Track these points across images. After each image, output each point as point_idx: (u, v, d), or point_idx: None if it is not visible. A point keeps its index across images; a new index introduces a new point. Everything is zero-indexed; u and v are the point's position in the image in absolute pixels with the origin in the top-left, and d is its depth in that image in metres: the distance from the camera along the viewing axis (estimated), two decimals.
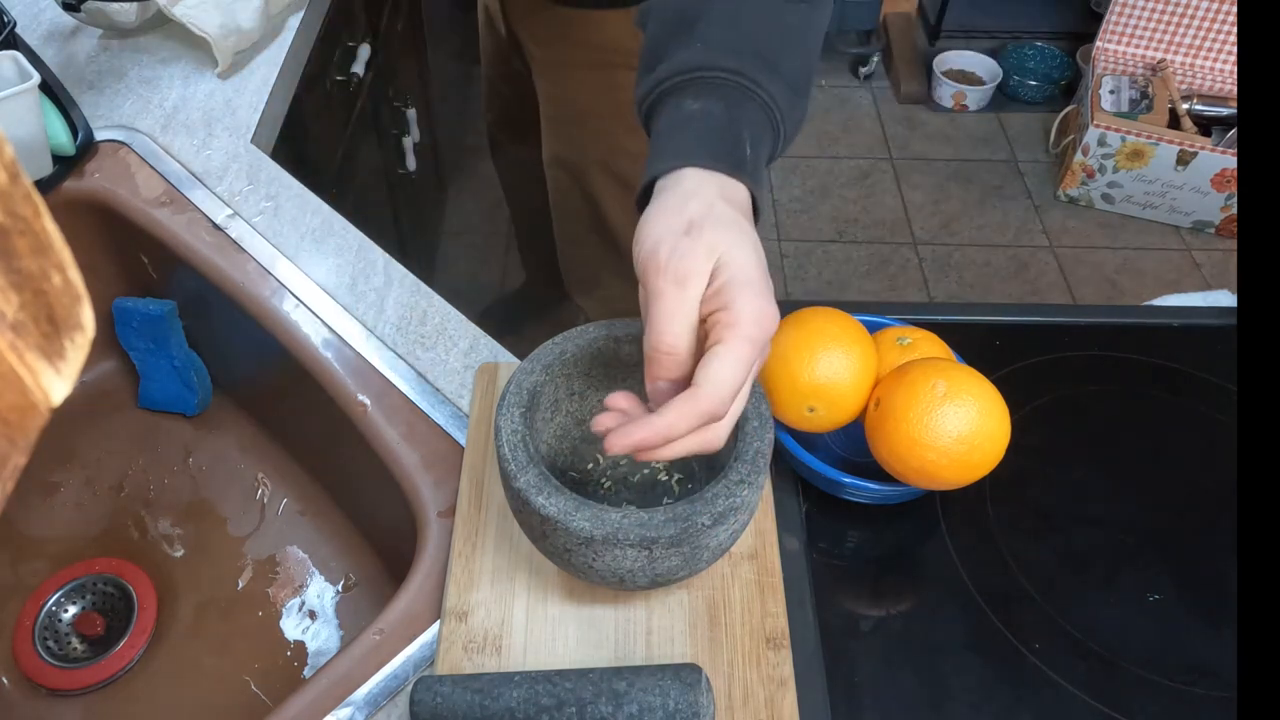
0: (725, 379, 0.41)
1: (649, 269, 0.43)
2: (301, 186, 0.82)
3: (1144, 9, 2.10)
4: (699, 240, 0.42)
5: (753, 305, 0.41)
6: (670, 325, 0.42)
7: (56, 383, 0.20)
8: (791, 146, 0.53)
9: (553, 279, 1.35)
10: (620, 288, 1.19)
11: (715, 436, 0.43)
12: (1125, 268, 2.05)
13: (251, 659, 0.75)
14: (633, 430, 0.42)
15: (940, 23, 2.54)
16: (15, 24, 0.79)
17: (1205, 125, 2.01)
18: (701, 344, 0.43)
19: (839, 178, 2.25)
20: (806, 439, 0.64)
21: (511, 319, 1.84)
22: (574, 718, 0.48)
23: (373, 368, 0.70)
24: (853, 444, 0.66)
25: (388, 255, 0.77)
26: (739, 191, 0.46)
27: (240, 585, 0.79)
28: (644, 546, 0.47)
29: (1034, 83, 2.41)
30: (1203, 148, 1.95)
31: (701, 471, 0.59)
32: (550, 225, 1.23)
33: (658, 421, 0.41)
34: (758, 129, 0.48)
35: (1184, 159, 1.98)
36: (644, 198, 0.47)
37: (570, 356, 0.55)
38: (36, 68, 0.74)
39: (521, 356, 0.60)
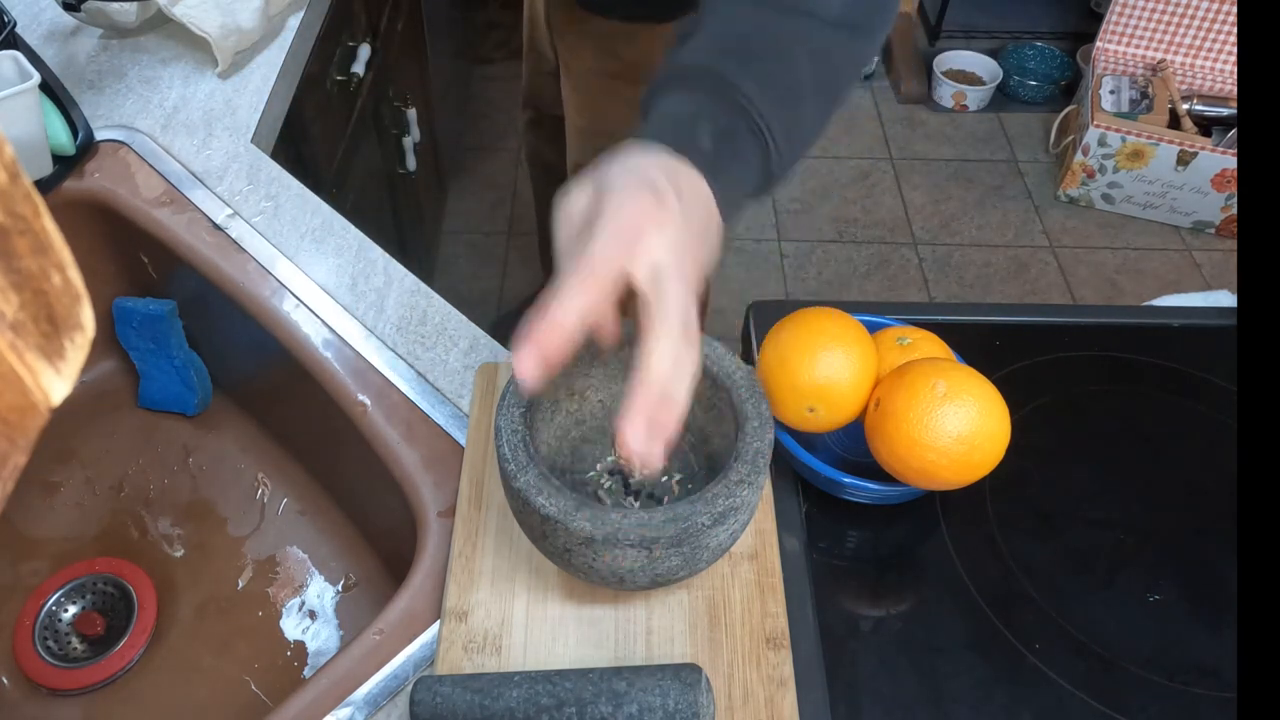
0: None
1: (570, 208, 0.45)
2: (301, 186, 0.82)
3: (1144, 9, 2.10)
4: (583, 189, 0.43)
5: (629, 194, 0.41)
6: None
7: (56, 382, 0.20)
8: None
9: None
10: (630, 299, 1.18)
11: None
12: (1125, 268, 2.05)
13: (251, 659, 0.75)
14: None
15: (940, 23, 2.54)
16: (15, 24, 0.79)
17: (1205, 125, 2.01)
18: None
19: (839, 178, 2.25)
20: (806, 439, 0.64)
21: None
22: (574, 718, 0.48)
23: (373, 368, 0.70)
24: (853, 444, 0.66)
25: (388, 255, 0.77)
26: (667, 162, 0.44)
27: (240, 585, 0.79)
28: (644, 546, 0.47)
29: (1034, 83, 2.41)
30: (1203, 148, 1.95)
31: (701, 471, 0.59)
32: None
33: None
34: (727, 125, 0.46)
35: (1184, 159, 1.98)
36: None
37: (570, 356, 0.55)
38: (36, 67, 0.74)
39: None
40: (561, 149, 1.19)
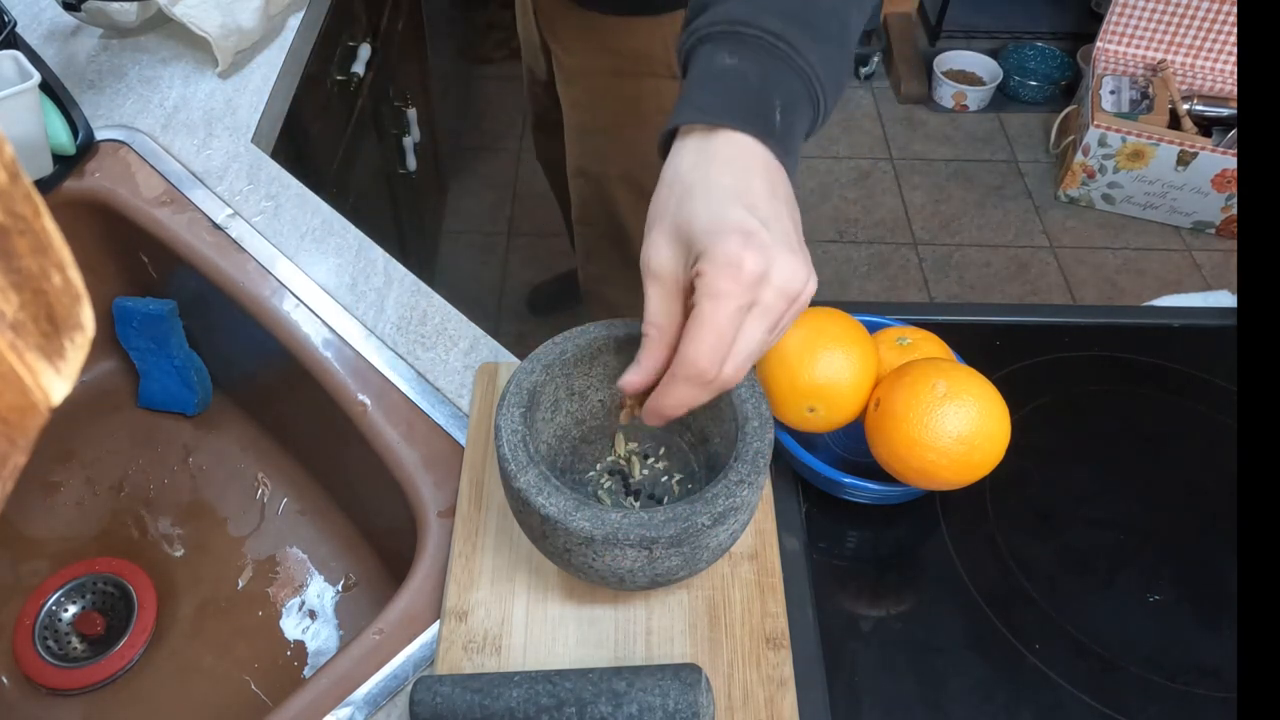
0: (692, 352, 0.42)
1: (640, 258, 0.45)
2: (301, 186, 0.82)
3: (1144, 9, 2.10)
4: (674, 234, 0.43)
5: (719, 258, 0.41)
6: (648, 313, 0.45)
7: (56, 382, 0.20)
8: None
9: None
10: (635, 303, 1.17)
11: (710, 394, 0.44)
12: (1125, 268, 2.05)
13: (251, 659, 0.75)
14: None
15: (940, 23, 2.54)
16: (16, 23, 0.79)
17: (1205, 126, 2.02)
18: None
19: (839, 178, 2.25)
20: (806, 439, 0.64)
21: (564, 300, 1.89)
22: (574, 718, 0.48)
23: (373, 368, 0.70)
24: (853, 444, 0.66)
25: (388, 255, 0.77)
26: (763, 156, 0.45)
27: (240, 585, 0.79)
28: (644, 546, 0.47)
29: (1034, 83, 2.41)
30: (1203, 148, 1.95)
31: (701, 471, 0.59)
32: None
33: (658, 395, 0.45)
34: (792, 97, 0.46)
35: (1184, 159, 1.98)
36: (667, 143, 0.47)
37: (570, 356, 0.55)
38: (37, 67, 0.74)
39: (522, 357, 0.60)
40: (549, 93, 1.18)
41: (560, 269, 1.90)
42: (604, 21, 0.95)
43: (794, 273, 0.42)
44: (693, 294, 0.42)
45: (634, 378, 0.46)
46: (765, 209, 0.43)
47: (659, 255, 0.44)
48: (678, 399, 0.44)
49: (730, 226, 0.41)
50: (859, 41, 2.65)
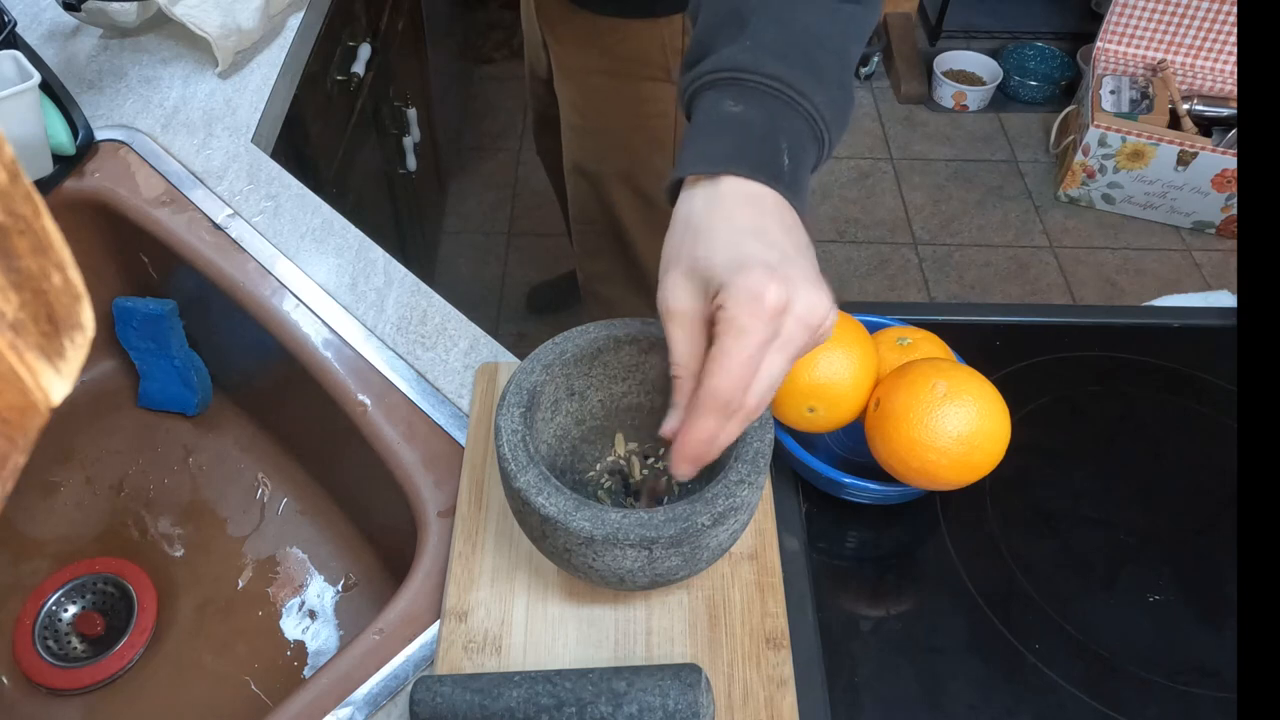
0: (715, 384, 0.42)
1: (658, 301, 0.44)
2: (301, 186, 0.82)
3: (1144, 9, 2.10)
4: (692, 273, 0.43)
5: (741, 291, 0.41)
6: (674, 355, 0.44)
7: (56, 382, 0.20)
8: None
9: None
10: (633, 301, 1.18)
11: (735, 425, 0.44)
12: (1125, 268, 2.05)
13: (251, 659, 0.75)
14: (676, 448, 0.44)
15: (940, 23, 2.54)
16: (15, 23, 0.79)
17: (1205, 126, 2.02)
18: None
19: (839, 178, 2.25)
20: (806, 439, 0.64)
21: (564, 299, 1.89)
22: (574, 718, 0.48)
23: (373, 368, 0.70)
24: (853, 444, 0.66)
25: (388, 255, 0.77)
26: (774, 198, 0.45)
27: (240, 585, 0.79)
28: (644, 546, 0.47)
29: (1034, 83, 2.41)
30: (1203, 148, 1.95)
31: (702, 471, 0.58)
32: None
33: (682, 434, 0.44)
34: (798, 139, 0.46)
35: (1184, 159, 1.98)
36: (674, 190, 0.47)
37: (570, 356, 0.55)
38: (37, 67, 0.74)
39: (522, 357, 0.60)
40: (549, 92, 1.18)
41: (561, 269, 1.90)
42: (601, 23, 0.95)
43: (815, 304, 0.42)
44: (714, 327, 0.42)
45: (674, 421, 0.45)
46: (783, 243, 0.43)
47: (678, 296, 0.43)
48: (703, 432, 0.43)
49: (751, 260, 0.41)
50: None
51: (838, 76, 0.48)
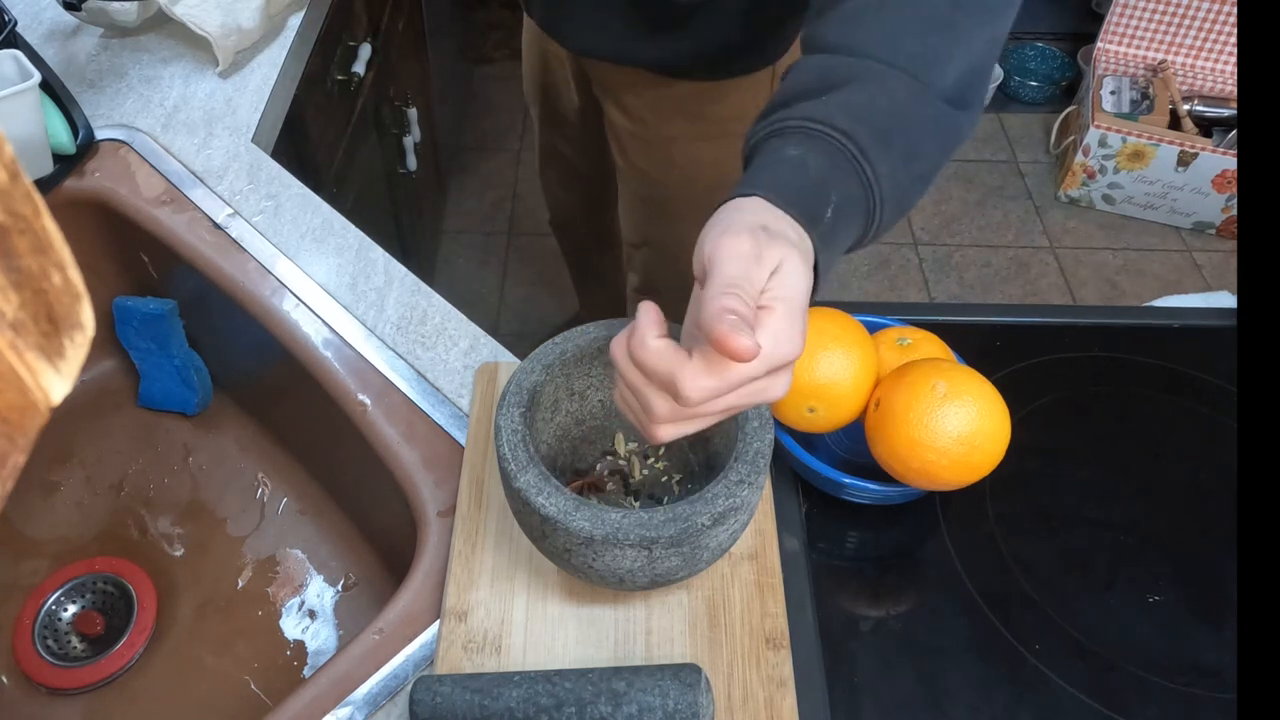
0: (772, 353, 0.40)
1: (722, 237, 0.41)
2: (302, 186, 0.82)
3: (1145, 10, 2.10)
4: (774, 242, 0.41)
5: (779, 324, 0.40)
6: (727, 280, 0.40)
7: (56, 382, 0.20)
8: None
9: (616, 311, 1.30)
10: None
11: (677, 426, 0.42)
12: (1126, 269, 2.05)
13: (251, 659, 0.75)
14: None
15: None
16: (16, 23, 0.79)
17: (1206, 126, 2.01)
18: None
19: None
20: (806, 439, 0.64)
21: None
22: (573, 718, 0.48)
23: (373, 367, 0.70)
24: (853, 444, 0.66)
25: (388, 255, 0.77)
26: (805, 243, 0.43)
27: (240, 585, 0.79)
28: (644, 546, 0.47)
29: (1035, 83, 2.41)
30: (1203, 149, 1.95)
31: (701, 471, 0.59)
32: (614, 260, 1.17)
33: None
34: (848, 199, 0.45)
35: (1185, 160, 1.98)
36: None
37: (570, 356, 0.55)
38: (37, 67, 0.74)
39: (522, 357, 0.60)
40: (575, 144, 1.16)
41: (561, 268, 1.87)
42: (693, 88, 0.89)
43: (792, 347, 0.41)
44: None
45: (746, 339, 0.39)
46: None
47: (741, 241, 0.41)
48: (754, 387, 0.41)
49: (799, 300, 0.41)
50: None
51: (906, 157, 0.47)
